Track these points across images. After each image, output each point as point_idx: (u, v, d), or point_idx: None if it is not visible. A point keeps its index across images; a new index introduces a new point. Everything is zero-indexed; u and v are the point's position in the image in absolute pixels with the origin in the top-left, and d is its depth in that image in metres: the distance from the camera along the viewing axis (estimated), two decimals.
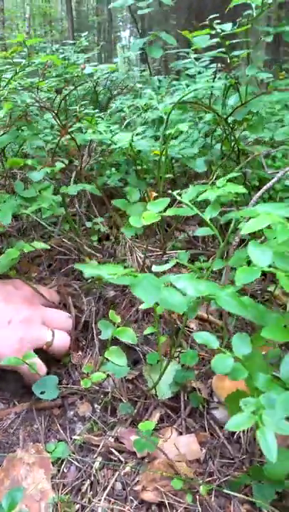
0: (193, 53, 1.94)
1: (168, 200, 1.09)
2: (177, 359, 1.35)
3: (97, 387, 1.34)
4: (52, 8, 16.48)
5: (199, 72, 1.89)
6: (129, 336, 1.09)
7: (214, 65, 1.89)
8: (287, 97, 1.56)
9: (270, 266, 0.78)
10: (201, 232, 1.06)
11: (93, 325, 1.48)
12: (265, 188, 1.23)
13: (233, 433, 1.27)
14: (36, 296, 1.39)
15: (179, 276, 0.88)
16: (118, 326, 1.16)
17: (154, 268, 1.03)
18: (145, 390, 1.30)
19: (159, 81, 2.58)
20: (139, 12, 2.56)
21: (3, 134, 1.54)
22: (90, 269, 0.93)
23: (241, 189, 0.98)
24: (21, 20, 14.00)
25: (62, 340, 1.35)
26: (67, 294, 1.52)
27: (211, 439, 1.25)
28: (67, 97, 1.68)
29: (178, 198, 1.07)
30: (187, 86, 1.87)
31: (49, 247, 1.32)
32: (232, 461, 1.20)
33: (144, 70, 2.66)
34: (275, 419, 0.69)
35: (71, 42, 2.57)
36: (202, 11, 6.48)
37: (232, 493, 1.09)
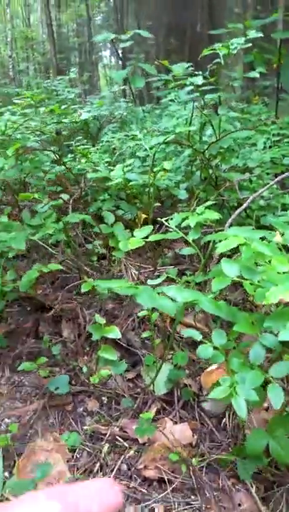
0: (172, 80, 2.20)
1: (151, 227, 1.34)
2: (170, 360, 1.59)
3: (103, 386, 1.57)
4: (33, 31, 16.91)
5: (175, 102, 2.15)
6: (114, 333, 1.33)
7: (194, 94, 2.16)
8: (252, 134, 1.84)
9: (239, 277, 1.03)
10: (185, 251, 1.31)
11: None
12: (237, 212, 1.49)
13: (220, 421, 1.51)
14: None
15: (169, 287, 1.13)
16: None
17: (149, 282, 1.28)
18: (144, 387, 1.54)
19: (143, 111, 2.86)
20: (121, 45, 2.84)
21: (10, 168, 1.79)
22: (102, 283, 1.17)
23: (216, 215, 1.24)
24: (3, 44, 14.38)
25: None
26: (71, 310, 1.76)
27: (201, 427, 1.48)
28: (63, 137, 1.94)
29: (165, 223, 1.32)
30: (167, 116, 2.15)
31: (63, 268, 1.55)
32: (219, 444, 1.44)
33: (128, 102, 2.93)
34: (245, 390, 0.93)
35: (59, 78, 2.84)
36: (180, 29, 6.82)
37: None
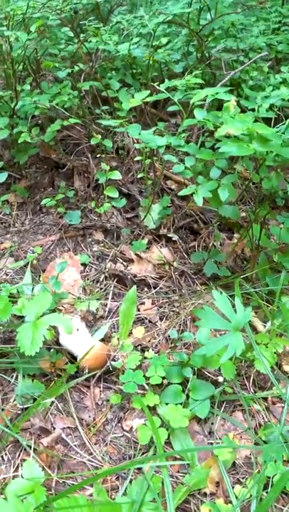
0: None
1: (148, 91, 1.84)
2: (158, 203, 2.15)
3: (107, 221, 2.15)
4: None
5: None
6: (116, 175, 1.90)
7: None
8: (245, 20, 2.25)
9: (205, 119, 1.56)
10: (171, 108, 1.80)
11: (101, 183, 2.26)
12: (222, 82, 1.98)
13: (192, 248, 2.10)
14: None
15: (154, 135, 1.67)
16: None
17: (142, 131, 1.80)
18: (139, 223, 2.12)
19: None
20: None
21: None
22: (104, 121, 1.71)
23: (198, 80, 1.73)
24: None
25: None
26: (81, 165, 2.31)
27: (180, 252, 2.08)
28: (79, 16, 2.35)
29: (157, 88, 1.81)
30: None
31: (80, 122, 2.05)
32: (191, 263, 2.04)
33: None
34: (204, 191, 1.51)
35: None
36: None
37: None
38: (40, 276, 1.96)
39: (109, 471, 1.29)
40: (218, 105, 2.32)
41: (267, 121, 1.68)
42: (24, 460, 1.33)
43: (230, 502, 1.28)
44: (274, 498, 1.21)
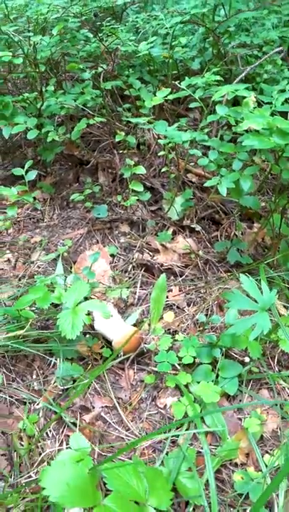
0: None
1: (169, 89, 1.95)
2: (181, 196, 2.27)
3: (133, 215, 2.27)
4: None
5: None
6: (140, 170, 2.01)
7: None
8: (256, 13, 2.35)
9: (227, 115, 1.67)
10: (192, 104, 1.91)
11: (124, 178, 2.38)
12: (238, 78, 2.08)
13: (214, 238, 2.21)
14: None
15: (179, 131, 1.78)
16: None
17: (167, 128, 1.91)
18: (163, 215, 2.24)
19: None
20: None
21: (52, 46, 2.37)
22: (132, 119, 1.83)
23: (217, 78, 1.84)
24: None
25: None
26: (105, 161, 2.43)
27: (203, 241, 2.19)
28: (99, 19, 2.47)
29: (178, 85, 1.92)
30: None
31: (105, 120, 2.18)
32: (214, 252, 2.15)
33: None
34: (227, 182, 1.62)
35: None
36: None
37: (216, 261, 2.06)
38: (71, 267, 2.08)
39: (151, 435, 1.40)
40: (234, 100, 2.42)
41: (283, 114, 1.79)
42: (68, 436, 1.46)
43: (260, 470, 1.39)
44: None
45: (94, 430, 1.48)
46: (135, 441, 1.37)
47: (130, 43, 2.14)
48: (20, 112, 2.36)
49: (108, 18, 2.61)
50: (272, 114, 1.67)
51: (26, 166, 2.07)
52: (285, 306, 1.85)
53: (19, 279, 2.02)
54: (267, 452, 1.46)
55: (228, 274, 2.02)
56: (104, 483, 1.18)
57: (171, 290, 1.98)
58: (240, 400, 1.60)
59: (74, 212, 2.38)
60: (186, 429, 1.48)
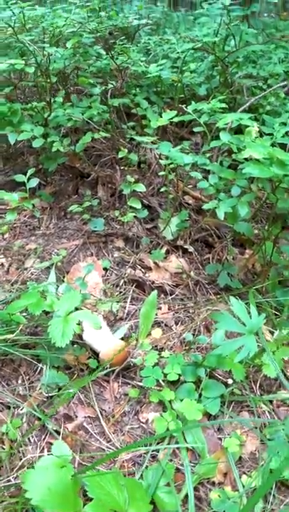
0: None
1: (175, 112, 2.02)
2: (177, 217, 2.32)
3: (128, 231, 2.31)
4: None
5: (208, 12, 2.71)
6: (140, 187, 2.06)
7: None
8: (264, 47, 2.45)
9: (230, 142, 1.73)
10: (197, 129, 1.97)
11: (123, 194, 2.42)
12: (242, 108, 2.16)
13: (206, 260, 2.26)
14: None
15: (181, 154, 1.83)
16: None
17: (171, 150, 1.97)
18: (158, 234, 2.29)
19: (178, 16, 3.41)
20: None
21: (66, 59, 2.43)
22: (137, 137, 1.88)
23: (222, 105, 1.91)
24: None
25: None
26: (105, 176, 2.48)
27: (195, 263, 2.24)
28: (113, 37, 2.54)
29: (184, 109, 1.99)
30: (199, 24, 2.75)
31: (109, 136, 2.23)
32: (205, 274, 2.20)
33: (164, 6, 3.45)
34: (225, 206, 1.67)
35: None
36: None
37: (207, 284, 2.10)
38: (64, 277, 2.11)
39: (129, 447, 1.43)
40: (236, 128, 2.50)
41: (282, 146, 1.86)
42: (49, 443, 1.48)
43: (237, 490, 1.42)
44: (272, 483, 1.35)
45: (76, 439, 1.50)
46: (116, 451, 1.39)
47: (141, 64, 2.21)
48: (27, 119, 2.40)
49: (122, 37, 2.68)
50: (272, 145, 1.73)
51: (29, 173, 2.11)
52: (271, 332, 1.89)
53: (11, 284, 2.04)
54: (244, 473, 1.49)
55: (218, 296, 2.07)
56: (85, 492, 1.20)
57: (160, 308, 2.01)
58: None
59: (71, 223, 2.42)
60: (167, 444, 1.51)
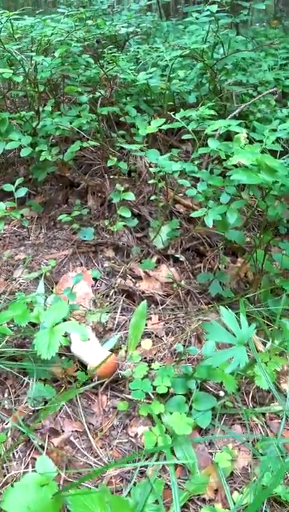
0: None
1: (164, 119, 1.98)
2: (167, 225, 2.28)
3: (118, 240, 2.27)
4: None
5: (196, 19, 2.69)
6: (129, 196, 2.02)
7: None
8: (254, 54, 2.42)
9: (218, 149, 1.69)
10: (186, 136, 1.94)
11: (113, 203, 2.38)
12: (231, 115, 2.13)
13: (197, 269, 2.22)
14: None
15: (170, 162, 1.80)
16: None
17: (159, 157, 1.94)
18: (148, 243, 2.25)
19: (168, 26, 3.40)
20: None
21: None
22: (125, 145, 1.84)
23: (211, 112, 1.87)
24: None
25: None
26: (95, 185, 2.44)
27: (186, 272, 2.20)
28: (101, 45, 2.53)
29: (173, 116, 1.95)
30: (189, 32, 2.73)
31: (99, 144, 2.20)
32: (196, 284, 2.15)
33: (154, 15, 3.44)
34: (213, 214, 1.63)
35: None
36: None
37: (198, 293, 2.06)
38: (52, 287, 2.07)
39: (116, 463, 1.38)
40: (226, 135, 2.47)
41: (273, 153, 1.82)
42: (34, 458, 1.43)
43: (228, 508, 1.37)
44: (263, 500, 1.30)
45: (62, 454, 1.45)
46: (101, 468, 1.34)
47: (129, 72, 2.18)
48: (16, 129, 2.37)
49: (110, 46, 2.66)
50: (262, 152, 1.70)
51: (17, 183, 2.07)
52: (263, 343, 1.85)
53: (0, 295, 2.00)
54: (236, 489, 1.44)
55: (209, 306, 2.02)
56: (68, 510, 1.15)
57: (150, 318, 1.97)
58: (212, 434, 1.58)
59: (60, 232, 2.38)
60: (156, 460, 1.46)
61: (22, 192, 2.10)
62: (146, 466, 1.45)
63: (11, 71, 2.15)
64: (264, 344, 1.84)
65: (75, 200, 2.46)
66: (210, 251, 2.27)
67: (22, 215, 2.17)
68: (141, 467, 1.45)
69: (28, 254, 2.24)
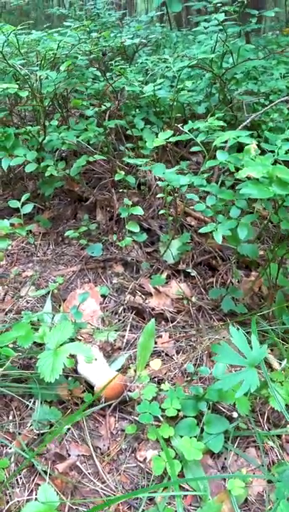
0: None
1: (172, 131, 1.95)
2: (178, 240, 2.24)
3: (127, 255, 2.23)
4: None
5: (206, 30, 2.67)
6: (138, 210, 1.99)
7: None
8: (266, 63, 2.39)
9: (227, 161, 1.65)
10: (194, 148, 1.90)
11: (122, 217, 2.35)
12: (242, 124, 2.09)
13: (210, 284, 2.17)
14: None
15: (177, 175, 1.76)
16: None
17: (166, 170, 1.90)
18: (158, 258, 2.21)
19: (177, 36, 3.38)
20: None
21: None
22: (131, 160, 1.81)
23: (220, 123, 1.84)
24: None
25: None
26: (104, 199, 2.41)
27: (198, 287, 2.15)
28: (108, 58, 2.52)
29: (181, 128, 1.92)
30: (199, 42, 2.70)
31: (106, 158, 2.18)
32: (208, 299, 2.10)
33: (164, 26, 3.43)
34: (223, 229, 1.59)
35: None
36: None
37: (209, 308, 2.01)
38: (60, 305, 2.04)
39: (122, 497, 1.33)
40: (238, 146, 2.43)
41: (286, 163, 1.77)
42: (38, 484, 1.38)
43: None
44: None
45: (67, 481, 1.41)
46: (108, 502, 1.29)
47: (136, 84, 2.16)
48: (22, 144, 2.36)
49: (118, 58, 2.65)
50: (275, 163, 1.65)
51: (23, 199, 2.05)
52: (278, 361, 1.79)
53: (6, 313, 1.97)
54: None
55: (221, 323, 1.97)
56: None
57: (160, 336, 1.92)
58: (225, 458, 1.52)
59: (68, 248, 2.35)
60: (165, 488, 1.40)
61: (28, 208, 2.07)
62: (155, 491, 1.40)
63: (16, 86, 2.14)
64: (280, 362, 1.78)
65: (84, 215, 2.43)
66: (222, 265, 2.23)
67: (29, 232, 2.15)
68: (150, 493, 1.40)
69: (36, 271, 2.22)
